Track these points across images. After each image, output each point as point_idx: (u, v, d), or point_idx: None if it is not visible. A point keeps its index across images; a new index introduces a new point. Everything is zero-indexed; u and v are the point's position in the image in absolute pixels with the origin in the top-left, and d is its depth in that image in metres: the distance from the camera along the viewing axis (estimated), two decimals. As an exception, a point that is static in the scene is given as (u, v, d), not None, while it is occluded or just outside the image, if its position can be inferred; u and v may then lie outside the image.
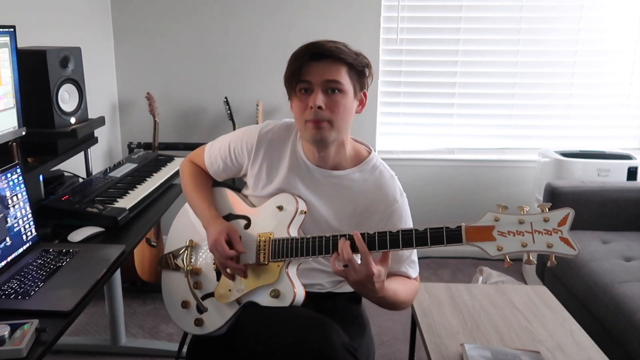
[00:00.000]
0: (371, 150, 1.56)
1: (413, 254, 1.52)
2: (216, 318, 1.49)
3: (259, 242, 1.45)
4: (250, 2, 3.30)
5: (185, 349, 1.60)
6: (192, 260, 1.59)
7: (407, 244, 1.28)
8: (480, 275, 2.91)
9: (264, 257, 1.43)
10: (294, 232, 1.44)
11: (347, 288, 1.55)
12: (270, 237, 1.44)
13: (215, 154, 1.62)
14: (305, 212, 1.47)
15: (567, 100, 3.48)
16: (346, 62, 1.37)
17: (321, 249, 1.36)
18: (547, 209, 1.20)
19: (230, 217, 1.57)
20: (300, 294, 1.39)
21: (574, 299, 2.44)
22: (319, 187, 1.50)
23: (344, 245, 1.28)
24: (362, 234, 1.30)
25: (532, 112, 3.51)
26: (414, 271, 1.52)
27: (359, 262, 1.27)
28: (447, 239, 1.24)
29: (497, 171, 3.53)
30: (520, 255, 1.22)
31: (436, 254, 3.56)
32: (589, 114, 3.50)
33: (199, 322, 1.51)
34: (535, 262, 1.22)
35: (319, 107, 1.36)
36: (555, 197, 2.77)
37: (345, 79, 1.38)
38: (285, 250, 1.40)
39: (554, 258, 1.20)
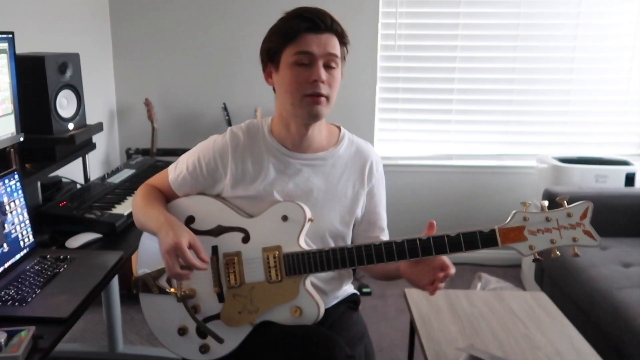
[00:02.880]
0: (339, 125, 1.53)
1: (384, 222, 1.56)
2: (225, 345, 1.38)
3: (267, 258, 1.35)
4: (248, 8, 3.31)
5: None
6: (183, 283, 1.39)
7: (441, 250, 1.26)
8: (479, 282, 2.91)
9: (277, 274, 1.34)
10: (303, 243, 1.36)
11: (343, 296, 1.57)
12: (279, 252, 1.34)
13: (181, 167, 1.47)
14: (312, 220, 1.38)
15: (565, 106, 3.49)
16: (339, 34, 1.34)
17: (344, 262, 1.31)
18: (565, 203, 1.23)
19: (220, 228, 1.40)
20: (322, 308, 1.35)
21: (573, 305, 2.43)
22: (310, 174, 1.44)
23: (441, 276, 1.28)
24: (389, 243, 1.28)
25: (530, 118, 3.52)
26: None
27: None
28: (482, 243, 1.24)
29: (495, 177, 3.53)
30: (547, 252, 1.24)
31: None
32: (586, 120, 3.51)
33: (205, 349, 1.39)
34: (559, 254, 1.24)
35: (322, 82, 1.31)
36: (553, 203, 2.76)
37: (340, 52, 1.35)
38: (302, 264, 1.32)
39: (576, 249, 1.23)
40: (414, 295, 2.03)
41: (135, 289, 1.46)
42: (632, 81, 3.41)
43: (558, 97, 3.47)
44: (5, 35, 1.88)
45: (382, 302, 3.07)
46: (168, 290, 1.41)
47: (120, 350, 2.56)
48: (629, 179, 3.03)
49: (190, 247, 1.28)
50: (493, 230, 1.24)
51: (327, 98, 1.34)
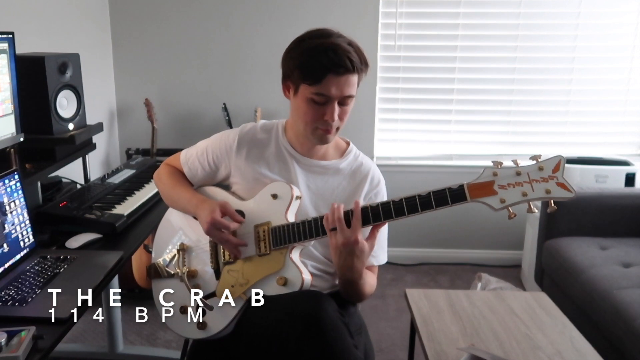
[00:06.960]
0: (349, 140, 1.61)
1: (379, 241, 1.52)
2: (220, 318, 1.44)
3: (258, 233, 1.44)
4: (247, 8, 3.31)
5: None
6: (186, 263, 1.55)
7: (413, 210, 1.30)
8: (479, 282, 2.91)
9: (265, 247, 1.42)
10: (292, 218, 1.44)
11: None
12: (269, 226, 1.43)
13: (192, 158, 1.62)
14: (300, 198, 1.47)
15: (565, 106, 3.48)
16: (359, 72, 1.41)
17: (325, 230, 1.36)
18: (539, 159, 1.24)
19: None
20: (308, 278, 1.38)
21: (573, 305, 2.43)
22: (308, 178, 1.53)
23: (336, 208, 1.31)
24: (365, 207, 1.32)
25: (530, 118, 3.52)
26: (375, 259, 1.55)
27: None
28: (451, 199, 1.27)
29: (495, 177, 3.52)
30: (522, 205, 1.24)
31: (435, 260, 3.55)
32: (586, 120, 3.51)
33: (202, 326, 1.45)
34: (537, 211, 1.25)
35: (334, 120, 1.41)
36: (553, 203, 2.76)
37: (356, 87, 1.42)
38: (287, 236, 1.40)
39: (552, 203, 1.23)
40: (415, 295, 2.03)
41: (149, 276, 1.60)
42: (632, 81, 3.41)
43: (558, 97, 3.47)
44: (5, 36, 1.87)
45: (382, 302, 3.07)
46: (172, 272, 1.55)
47: (120, 350, 2.55)
48: (629, 179, 3.03)
49: (224, 214, 1.42)
50: (462, 186, 1.27)
51: (338, 128, 1.45)
